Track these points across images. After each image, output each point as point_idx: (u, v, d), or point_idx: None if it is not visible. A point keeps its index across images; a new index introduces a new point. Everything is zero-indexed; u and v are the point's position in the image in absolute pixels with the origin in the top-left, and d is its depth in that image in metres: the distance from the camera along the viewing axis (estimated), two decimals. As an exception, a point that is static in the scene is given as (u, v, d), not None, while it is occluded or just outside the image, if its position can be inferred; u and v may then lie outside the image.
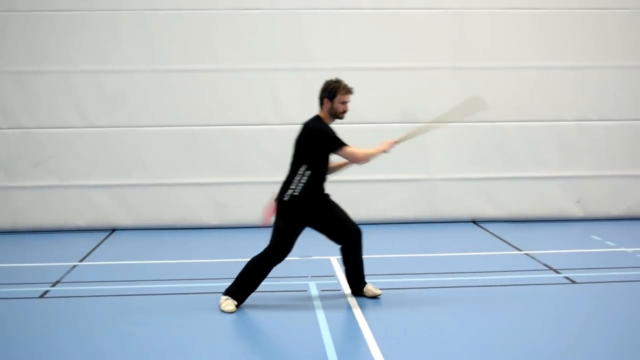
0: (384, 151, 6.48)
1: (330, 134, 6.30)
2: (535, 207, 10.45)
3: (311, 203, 6.36)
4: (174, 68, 9.97)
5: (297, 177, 6.33)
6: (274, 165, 10.08)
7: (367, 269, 6.97)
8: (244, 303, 6.39)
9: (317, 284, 7.13)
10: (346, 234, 6.52)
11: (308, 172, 6.32)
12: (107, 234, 9.85)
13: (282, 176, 10.05)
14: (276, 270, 7.66)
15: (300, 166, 6.35)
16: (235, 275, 6.42)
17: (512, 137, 10.36)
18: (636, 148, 10.53)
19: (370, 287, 6.67)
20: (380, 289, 6.70)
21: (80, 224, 10.06)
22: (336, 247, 8.63)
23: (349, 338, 5.72)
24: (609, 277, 7.42)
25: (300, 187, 6.31)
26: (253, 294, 6.45)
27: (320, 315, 6.19)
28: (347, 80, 9.81)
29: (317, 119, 6.44)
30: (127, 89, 9.97)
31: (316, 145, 6.31)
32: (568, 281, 7.28)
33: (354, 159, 6.40)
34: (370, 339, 5.59)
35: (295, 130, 10.03)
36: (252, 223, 10.07)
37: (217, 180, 10.12)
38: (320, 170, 6.39)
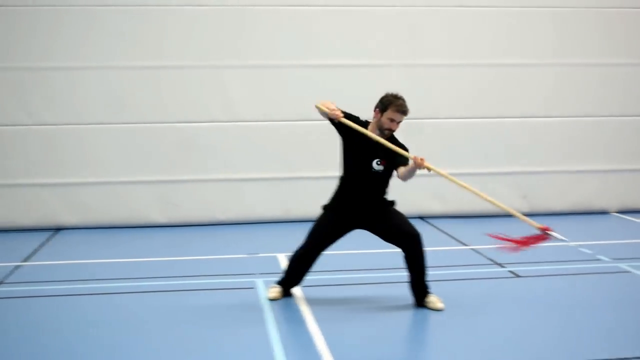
0: (328, 113, 6.13)
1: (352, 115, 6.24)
2: (481, 203, 10.50)
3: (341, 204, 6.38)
4: (121, 65, 9.84)
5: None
6: (223, 163, 10.07)
7: (324, 265, 7.06)
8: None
9: (264, 281, 7.13)
10: (402, 239, 6.29)
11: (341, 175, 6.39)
12: (52, 233, 9.72)
13: (233, 173, 10.17)
14: (223, 268, 7.71)
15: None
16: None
17: (458, 134, 10.48)
18: (580, 144, 10.72)
19: (433, 299, 6.32)
20: (444, 301, 6.39)
21: (26, 223, 9.90)
22: (284, 243, 8.76)
23: (296, 334, 5.73)
24: (552, 270, 7.57)
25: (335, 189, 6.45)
26: (201, 292, 6.43)
27: (267, 312, 6.19)
28: (299, 75, 10.08)
29: (364, 120, 6.30)
30: (74, 86, 9.83)
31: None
32: (512, 275, 7.40)
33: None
34: (318, 335, 5.62)
35: (246, 127, 10.16)
36: (202, 221, 10.05)
37: (167, 178, 10.03)
38: (348, 172, 6.34)
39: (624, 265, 7.69)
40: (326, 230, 6.38)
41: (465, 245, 8.76)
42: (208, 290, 6.91)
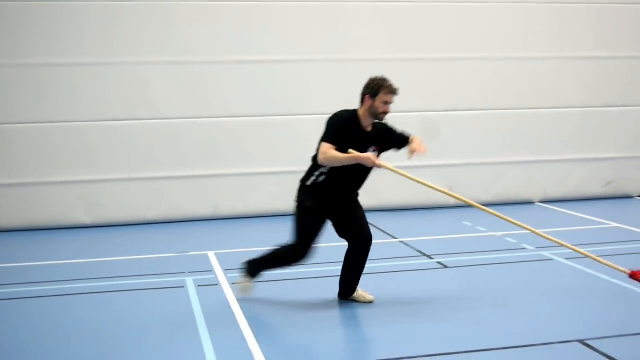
0: (362, 160, 5.80)
1: (330, 124, 5.91)
2: (410, 196, 10.67)
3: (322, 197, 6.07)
4: (38, 62, 9.57)
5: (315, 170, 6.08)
6: (146, 161, 9.92)
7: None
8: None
9: (194, 280, 7.06)
10: (356, 238, 6.22)
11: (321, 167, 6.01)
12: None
13: (158, 172, 10.04)
14: (151, 268, 7.61)
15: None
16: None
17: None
18: (502, 136, 10.92)
19: (362, 293, 6.38)
20: (374, 293, 6.46)
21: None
22: (214, 241, 8.71)
23: (227, 333, 5.68)
24: (479, 260, 7.69)
25: (313, 180, 6.07)
26: (128, 293, 6.33)
27: (197, 311, 6.13)
28: (225, 72, 10.00)
29: (349, 111, 6.02)
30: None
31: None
32: (440, 266, 7.50)
33: (319, 157, 5.88)
34: (247, 331, 5.60)
35: (170, 125, 10.03)
36: (129, 221, 9.89)
37: (88, 177, 9.83)
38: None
39: (547, 254, 7.86)
40: (317, 228, 6.10)
41: (394, 238, 8.84)
42: (136, 290, 6.81)
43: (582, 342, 5.31)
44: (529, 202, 11.07)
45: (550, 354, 5.14)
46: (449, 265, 7.49)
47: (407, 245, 8.41)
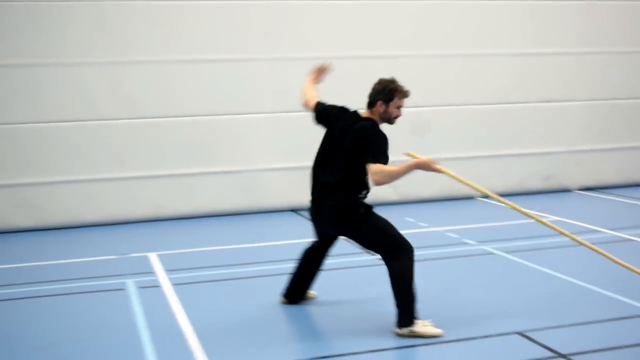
0: (420, 167, 5.42)
1: (379, 141, 5.49)
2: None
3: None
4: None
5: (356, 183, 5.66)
6: (86, 162, 9.75)
7: (194, 262, 7.23)
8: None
9: (135, 282, 6.97)
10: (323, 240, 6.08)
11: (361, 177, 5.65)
12: None
13: (98, 173, 9.87)
14: (91, 271, 7.48)
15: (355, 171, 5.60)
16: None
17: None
18: (443, 133, 10.99)
19: (313, 293, 6.35)
20: (316, 289, 6.40)
21: None
22: (155, 242, 8.60)
23: (168, 335, 5.61)
24: (422, 255, 7.61)
25: (359, 194, 5.69)
26: (67, 297, 6.22)
27: (138, 313, 6.06)
28: (162, 72, 9.89)
29: (373, 120, 5.65)
30: None
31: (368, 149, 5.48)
32: (382, 262, 7.50)
33: (374, 178, 5.42)
34: (189, 331, 5.55)
35: (108, 125, 9.85)
36: (65, 224, 9.69)
37: (27, 180, 9.61)
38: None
39: (488, 248, 7.95)
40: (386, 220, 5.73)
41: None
42: (74, 294, 6.68)
43: (521, 333, 5.38)
44: (470, 198, 11.17)
45: (490, 347, 5.19)
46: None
47: (350, 241, 8.39)
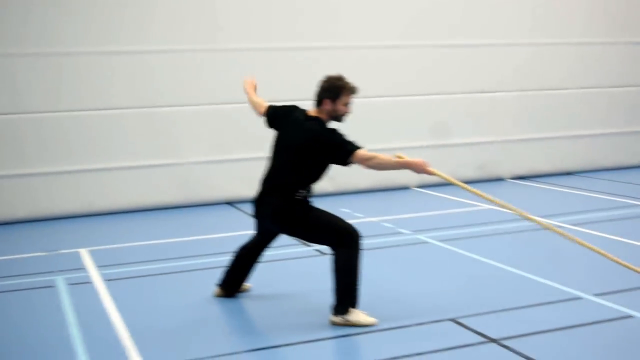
0: (411, 167, 5.48)
1: (338, 133, 5.46)
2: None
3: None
4: None
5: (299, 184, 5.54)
6: (15, 156, 9.51)
7: (126, 257, 7.16)
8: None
9: (65, 278, 6.82)
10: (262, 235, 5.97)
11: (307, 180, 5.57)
12: None
13: (27, 168, 9.61)
14: (19, 268, 7.31)
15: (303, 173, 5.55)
16: None
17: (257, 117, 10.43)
18: (377, 123, 11.01)
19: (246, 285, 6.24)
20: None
21: None
22: (86, 238, 8.44)
23: (99, 331, 5.51)
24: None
25: (300, 193, 5.54)
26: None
27: (68, 309, 5.93)
28: (89, 63, 9.68)
29: (322, 119, 5.57)
30: None
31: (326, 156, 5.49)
32: (318, 253, 7.51)
33: (368, 163, 5.46)
34: (121, 328, 5.46)
35: (34, 119, 9.59)
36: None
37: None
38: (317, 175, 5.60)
39: (422, 237, 8.01)
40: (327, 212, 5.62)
41: (272, 227, 8.80)
42: (1, 292, 6.51)
43: (454, 320, 5.43)
44: (406, 188, 11.24)
45: (424, 334, 5.22)
46: (327, 253, 7.50)
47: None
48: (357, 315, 5.42)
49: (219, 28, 10.21)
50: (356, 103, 10.32)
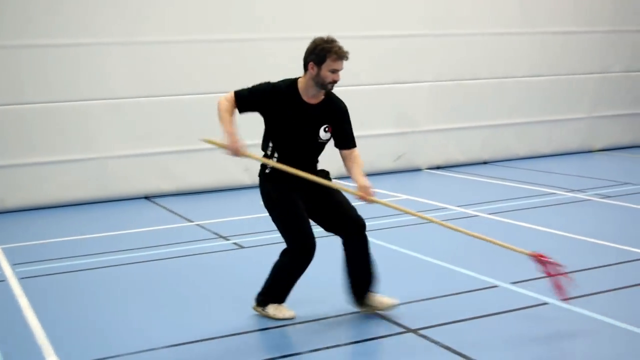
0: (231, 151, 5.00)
1: (256, 84, 5.14)
2: (206, 178, 10.58)
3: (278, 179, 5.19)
4: None
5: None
6: None
7: (42, 254, 6.98)
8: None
9: (-26, 279, 6.63)
10: (344, 224, 5.31)
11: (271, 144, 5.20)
12: None
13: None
14: None
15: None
16: None
17: (183, 110, 10.33)
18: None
19: (379, 298, 5.38)
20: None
21: None
22: (2, 236, 8.20)
23: (13, 330, 5.37)
24: (275, 239, 7.67)
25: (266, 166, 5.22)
26: None
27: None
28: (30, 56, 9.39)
29: (289, 79, 5.17)
30: None
31: None
32: (237, 246, 7.49)
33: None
34: (37, 327, 5.34)
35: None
36: None
37: None
38: (279, 142, 5.16)
39: (341, 228, 8.04)
40: (297, 211, 5.19)
41: (191, 221, 8.72)
42: None
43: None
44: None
45: (343, 325, 5.26)
46: (245, 246, 7.49)
47: (204, 227, 8.33)
48: (274, 309, 5.39)
49: (132, 20, 10.00)
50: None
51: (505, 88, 12.56)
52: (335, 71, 5.03)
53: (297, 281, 5.37)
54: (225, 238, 7.81)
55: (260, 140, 5.29)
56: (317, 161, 5.37)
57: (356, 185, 5.19)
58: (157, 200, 10.09)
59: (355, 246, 5.29)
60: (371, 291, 5.37)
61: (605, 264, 6.53)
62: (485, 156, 12.57)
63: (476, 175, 11.34)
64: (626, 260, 6.62)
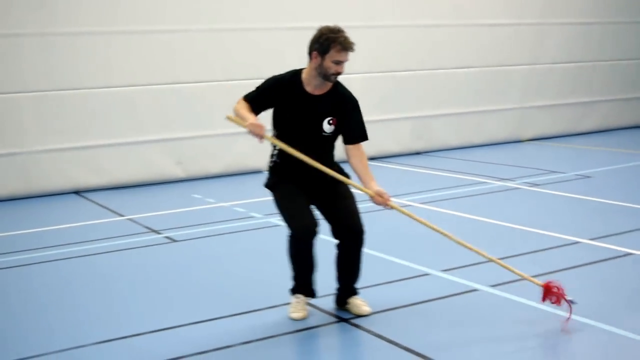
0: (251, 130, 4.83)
1: (262, 83, 5.08)
2: (137, 172, 10.41)
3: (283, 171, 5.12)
4: None
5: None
6: None
7: None
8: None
9: None
10: (339, 229, 5.13)
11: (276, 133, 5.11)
12: None
13: None
14: None
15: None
16: None
17: (111, 103, 10.14)
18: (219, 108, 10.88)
19: (358, 302, 5.27)
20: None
21: None
22: None
23: None
24: (208, 231, 7.68)
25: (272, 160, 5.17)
26: None
27: None
28: None
29: (292, 70, 5.10)
30: None
31: None
32: (169, 240, 7.40)
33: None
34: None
35: None
36: None
37: None
38: (282, 133, 5.05)
39: (273, 220, 7.99)
40: (294, 198, 5.08)
41: (122, 215, 8.58)
42: None
43: (306, 302, 5.45)
44: (258, 172, 11.08)
45: (275, 316, 5.24)
46: (177, 239, 7.41)
47: (135, 222, 8.21)
48: (292, 304, 5.24)
49: (49, 12, 9.71)
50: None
51: (436, 79, 12.67)
52: (339, 62, 4.93)
53: (313, 269, 5.19)
54: (157, 232, 7.71)
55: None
56: (326, 156, 5.15)
57: (370, 190, 5.05)
58: (88, 195, 9.90)
59: (347, 253, 5.17)
60: (354, 294, 5.30)
61: (534, 250, 6.65)
62: (418, 147, 12.68)
63: (409, 166, 11.44)
64: (554, 246, 6.77)
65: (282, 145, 4.97)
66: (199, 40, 10.61)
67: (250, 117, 4.88)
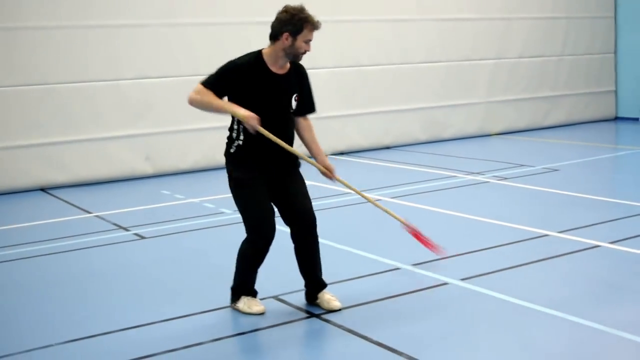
0: (243, 119, 4.77)
1: (219, 68, 4.92)
2: (104, 169, 10.32)
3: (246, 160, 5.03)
4: None
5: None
6: None
7: None
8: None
9: None
10: (292, 218, 5.16)
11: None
12: None
13: None
14: None
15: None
16: None
17: (70, 99, 10.02)
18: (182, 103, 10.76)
19: (328, 297, 5.23)
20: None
21: None
22: None
23: None
24: (177, 228, 7.63)
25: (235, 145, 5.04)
26: None
27: None
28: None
29: (250, 53, 4.99)
30: None
31: None
32: (137, 237, 7.34)
33: (189, 95, 4.86)
34: None
35: None
36: None
37: None
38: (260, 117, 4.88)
39: (242, 215, 7.98)
40: (260, 196, 5.04)
41: (89, 212, 8.49)
42: None
43: (276, 297, 5.46)
44: (224, 168, 11.04)
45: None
46: (146, 236, 7.35)
47: (103, 219, 8.13)
48: (244, 303, 5.22)
49: (10, 4, 9.62)
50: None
51: (403, 74, 12.70)
52: (309, 41, 4.97)
53: (257, 270, 5.22)
54: (126, 229, 7.64)
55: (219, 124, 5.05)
56: (292, 132, 5.18)
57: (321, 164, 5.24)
58: (54, 192, 9.79)
59: (304, 242, 5.19)
60: (323, 287, 5.28)
61: (503, 243, 6.69)
62: (387, 141, 12.70)
63: (378, 160, 11.46)
64: (522, 239, 6.81)
65: (269, 135, 4.90)
66: (164, 34, 10.55)
67: (234, 108, 4.81)
